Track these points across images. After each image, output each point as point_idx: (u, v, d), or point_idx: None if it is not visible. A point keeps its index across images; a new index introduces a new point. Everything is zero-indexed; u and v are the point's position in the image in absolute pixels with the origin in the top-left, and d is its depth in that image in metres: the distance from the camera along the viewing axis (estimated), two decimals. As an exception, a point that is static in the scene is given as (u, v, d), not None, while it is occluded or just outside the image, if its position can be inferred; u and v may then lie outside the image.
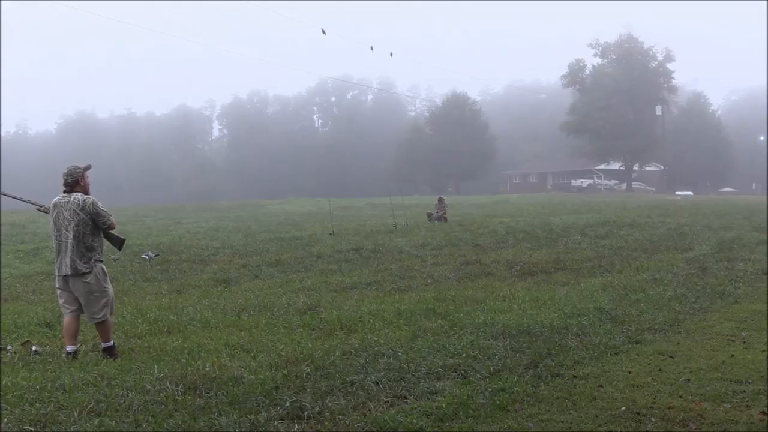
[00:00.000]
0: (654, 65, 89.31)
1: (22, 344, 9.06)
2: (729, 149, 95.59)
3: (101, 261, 8.40)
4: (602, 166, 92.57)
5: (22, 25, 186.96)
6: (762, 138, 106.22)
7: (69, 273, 8.12)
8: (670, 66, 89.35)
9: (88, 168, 8.52)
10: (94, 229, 8.32)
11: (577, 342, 8.54)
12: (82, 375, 7.10)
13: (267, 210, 48.59)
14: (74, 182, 8.30)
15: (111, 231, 8.62)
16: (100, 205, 8.33)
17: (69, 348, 8.30)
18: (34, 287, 15.87)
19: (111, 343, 8.46)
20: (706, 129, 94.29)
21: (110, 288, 8.53)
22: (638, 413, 6.08)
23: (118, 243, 8.96)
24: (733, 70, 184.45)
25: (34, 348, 8.80)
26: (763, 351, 8.23)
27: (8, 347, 8.95)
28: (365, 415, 5.96)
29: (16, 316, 11.47)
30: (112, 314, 8.62)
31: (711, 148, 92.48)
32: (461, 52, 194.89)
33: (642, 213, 31.99)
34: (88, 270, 8.18)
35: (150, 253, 20.62)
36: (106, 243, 8.65)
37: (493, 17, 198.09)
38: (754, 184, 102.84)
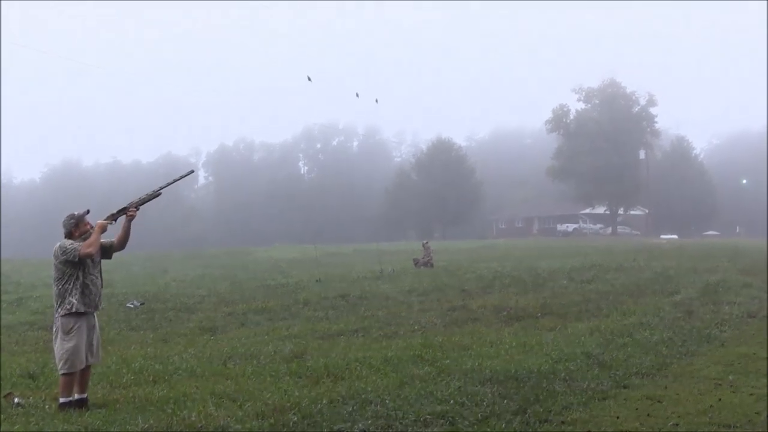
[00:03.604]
0: (637, 110, 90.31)
1: (4, 396, 8.93)
2: (712, 193, 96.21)
3: (64, 315, 7.91)
4: (588, 210, 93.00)
5: (6, 74, 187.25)
6: (744, 182, 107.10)
7: None
8: (652, 110, 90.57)
9: (84, 214, 8.22)
10: (64, 275, 7.95)
11: (565, 387, 8.52)
12: (65, 427, 7.02)
13: (253, 257, 48.50)
14: (68, 232, 8.07)
15: (111, 243, 8.28)
16: (67, 244, 7.92)
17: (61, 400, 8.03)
18: (17, 338, 15.68)
19: (65, 399, 7.97)
20: (689, 173, 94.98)
21: (68, 344, 7.91)
22: (627, 459, 6.06)
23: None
24: (716, 115, 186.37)
25: (16, 400, 8.67)
26: (751, 395, 8.23)
27: (-10, 399, 8.83)
28: (353, 464, 5.92)
29: (-2, 367, 11.34)
30: (68, 370, 7.93)
31: (695, 191, 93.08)
32: (447, 98, 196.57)
33: (628, 257, 32.08)
34: (56, 316, 8.01)
35: (135, 302, 20.50)
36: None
37: (478, 62, 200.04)
38: (737, 228, 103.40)
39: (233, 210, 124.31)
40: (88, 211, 8.30)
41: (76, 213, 8.19)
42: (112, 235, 8.33)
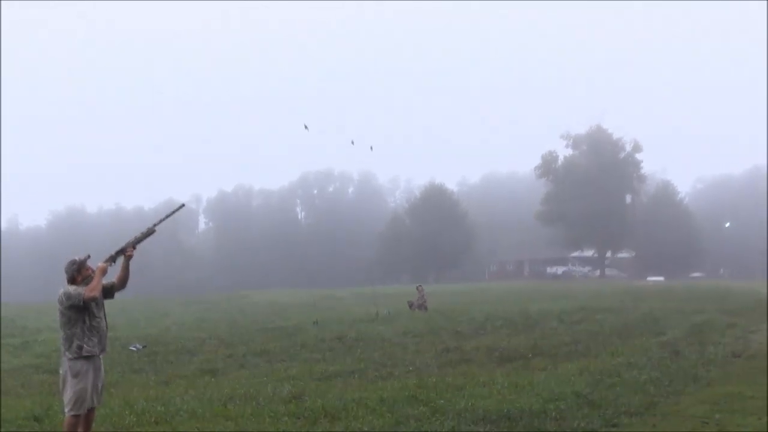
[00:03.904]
0: (623, 156, 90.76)
1: (10, 438, 8.91)
2: (697, 236, 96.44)
3: (72, 358, 7.89)
4: (576, 254, 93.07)
5: (10, 123, 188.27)
6: (727, 225, 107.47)
7: None
8: (638, 156, 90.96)
9: (85, 259, 8.19)
10: (70, 320, 7.92)
11: (556, 426, 8.52)
12: (70, 468, 6.98)
13: (252, 301, 48.34)
14: (71, 278, 8.05)
15: (114, 284, 8.28)
16: (70, 289, 7.90)
17: None
18: (23, 381, 15.63)
19: None
20: (674, 216, 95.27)
21: (77, 386, 7.85)
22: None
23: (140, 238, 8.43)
24: (699, 160, 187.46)
25: (22, 442, 8.65)
26: (736, 432, 8.24)
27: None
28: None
29: (4, 410, 11.28)
30: (75, 412, 7.84)
31: (680, 234, 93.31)
32: (439, 145, 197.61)
33: (615, 299, 32.10)
34: (64, 359, 8.00)
35: (138, 345, 20.45)
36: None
37: (468, 109, 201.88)
38: (721, 269, 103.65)
39: (232, 255, 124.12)
40: (88, 256, 8.28)
41: (77, 258, 8.17)
42: (112, 275, 8.35)
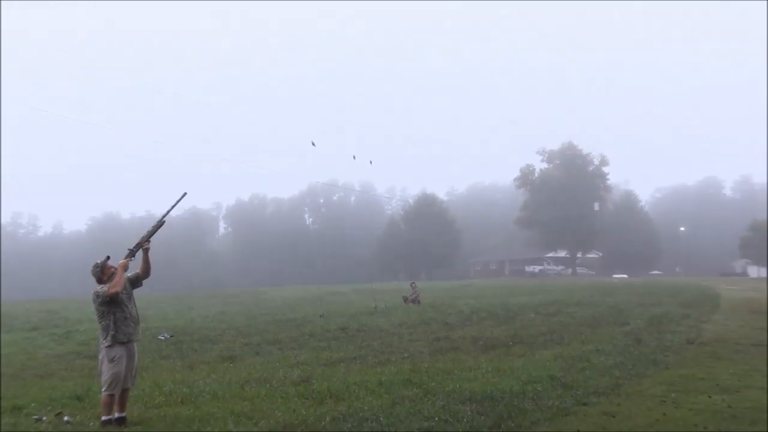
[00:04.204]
0: (592, 169, 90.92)
1: (55, 415, 8.89)
2: (656, 238, 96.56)
3: (108, 345, 7.94)
4: (551, 254, 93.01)
5: (53, 143, 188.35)
6: (682, 229, 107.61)
7: None
8: (605, 169, 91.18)
9: (105, 260, 8.20)
10: (104, 313, 8.01)
11: (533, 405, 8.50)
12: (107, 442, 6.96)
13: (266, 296, 48.26)
14: (98, 279, 8.09)
15: (138, 275, 8.28)
16: (98, 289, 7.99)
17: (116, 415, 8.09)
18: (66, 365, 15.60)
19: (107, 417, 7.94)
20: (636, 221, 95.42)
21: (112, 370, 7.91)
22: (586, 466, 6.04)
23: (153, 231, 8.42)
24: (658, 172, 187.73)
25: (66, 418, 8.63)
26: (690, 410, 8.23)
27: (43, 418, 8.79)
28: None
29: (50, 390, 11.25)
30: (110, 392, 7.91)
31: (641, 237, 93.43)
32: (431, 159, 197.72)
33: (585, 293, 32.07)
34: (102, 347, 8.05)
35: (166, 334, 20.40)
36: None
37: (458, 127, 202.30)
38: (677, 268, 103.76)
39: (249, 256, 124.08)
40: (108, 258, 8.30)
41: (98, 261, 8.19)
42: (135, 267, 8.35)
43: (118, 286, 7.94)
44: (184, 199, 9.12)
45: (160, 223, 8.56)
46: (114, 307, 8.00)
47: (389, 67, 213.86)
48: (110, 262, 8.24)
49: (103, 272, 8.11)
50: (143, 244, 8.22)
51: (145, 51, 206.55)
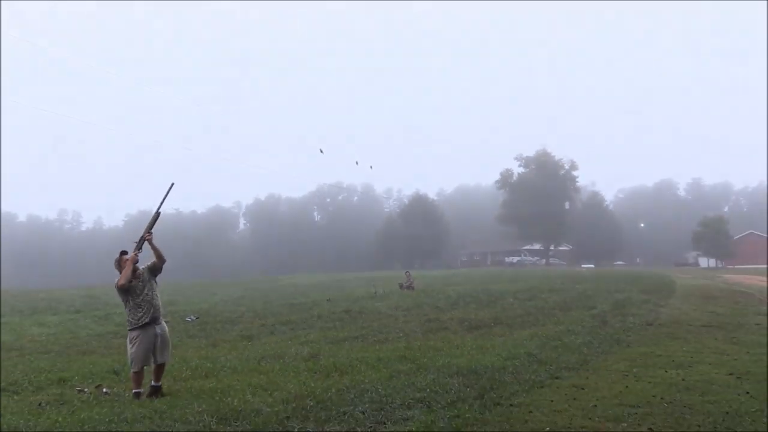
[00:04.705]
0: (563, 172, 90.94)
1: (95, 387, 8.89)
2: (619, 233, 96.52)
3: (130, 329, 8.00)
4: (527, 247, 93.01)
5: (93, 146, 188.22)
6: (642, 225, 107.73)
7: None
8: (574, 173, 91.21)
9: (120, 255, 8.14)
10: (123, 301, 8.08)
11: (512, 378, 8.49)
12: (140, 410, 6.95)
13: (280, 283, 48.24)
14: (119, 271, 8.05)
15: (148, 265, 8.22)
16: (116, 281, 8.02)
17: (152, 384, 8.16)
18: (106, 344, 15.60)
19: (136, 390, 8.02)
20: (602, 218, 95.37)
21: (131, 350, 7.96)
22: (559, 432, 6.02)
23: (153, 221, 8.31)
24: (620, 175, 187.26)
25: (105, 390, 8.63)
26: (649, 383, 8.23)
27: (85, 389, 8.79)
28: (355, 438, 5.86)
29: (91, 365, 11.25)
30: (133, 369, 8.03)
31: (606, 232, 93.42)
32: (423, 164, 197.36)
33: (557, 281, 32.04)
34: (128, 330, 8.08)
35: (192, 316, 20.39)
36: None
37: (447, 135, 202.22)
38: (638, 259, 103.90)
39: (265, 248, 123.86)
40: (123, 252, 8.18)
41: (116, 257, 8.17)
42: (148, 259, 8.34)
43: (123, 279, 7.93)
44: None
45: (157, 215, 8.46)
46: (128, 295, 7.98)
47: (389, 68, 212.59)
48: (126, 256, 8.15)
49: (119, 265, 8.09)
50: (145, 236, 8.14)
51: (172, 49, 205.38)
